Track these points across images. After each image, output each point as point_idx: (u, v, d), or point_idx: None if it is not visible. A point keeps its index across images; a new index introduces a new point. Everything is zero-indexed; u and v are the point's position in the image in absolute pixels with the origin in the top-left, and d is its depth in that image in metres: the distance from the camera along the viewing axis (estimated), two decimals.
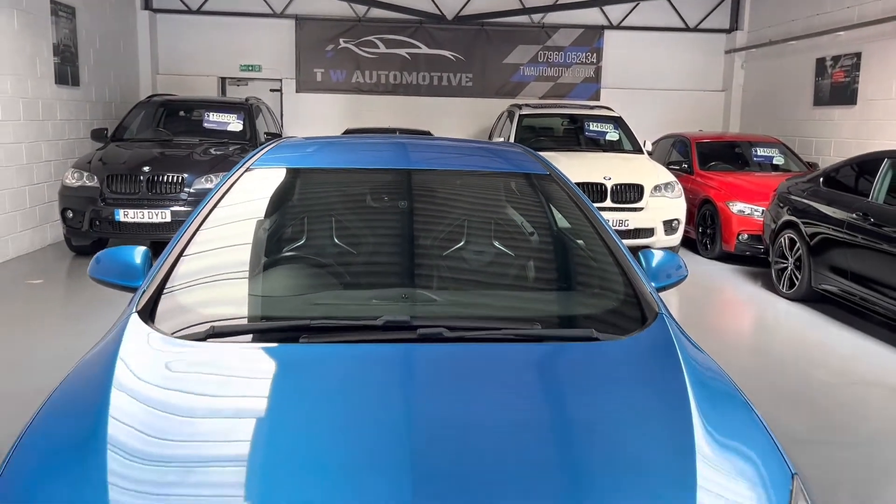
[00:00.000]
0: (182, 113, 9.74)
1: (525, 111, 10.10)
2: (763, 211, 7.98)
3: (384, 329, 2.08)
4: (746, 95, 13.12)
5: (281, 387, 1.89)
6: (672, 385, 1.88)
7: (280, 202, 2.98)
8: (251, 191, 2.87)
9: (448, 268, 2.66)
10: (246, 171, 2.90)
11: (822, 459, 3.69)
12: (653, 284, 2.53)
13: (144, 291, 2.28)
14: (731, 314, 6.99)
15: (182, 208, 7.60)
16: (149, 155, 8.12)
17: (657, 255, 2.76)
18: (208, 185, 7.66)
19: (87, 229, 7.71)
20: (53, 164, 8.94)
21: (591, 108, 10.57)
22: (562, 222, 2.90)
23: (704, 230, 9.14)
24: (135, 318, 2.13)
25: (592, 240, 2.69)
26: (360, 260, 2.76)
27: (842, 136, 10.20)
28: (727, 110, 13.48)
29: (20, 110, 8.19)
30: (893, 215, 5.75)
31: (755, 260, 8.34)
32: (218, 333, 2.06)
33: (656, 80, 13.47)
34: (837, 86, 10.37)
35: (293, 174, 3.03)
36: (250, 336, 2.15)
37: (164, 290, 2.28)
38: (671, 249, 8.66)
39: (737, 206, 8.59)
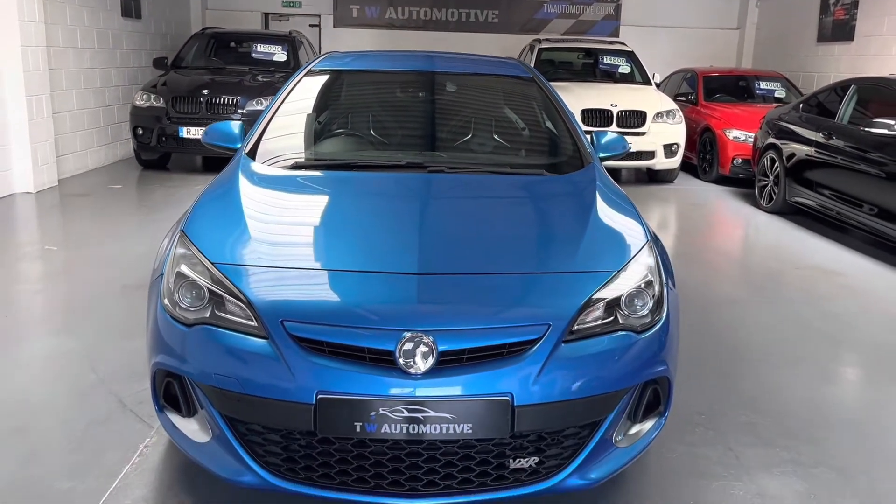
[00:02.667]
0: (232, 44, 10.78)
1: (544, 45, 10.94)
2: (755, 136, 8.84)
3: (406, 167, 3.20)
4: (759, 33, 13.75)
5: (340, 191, 3.04)
6: (586, 193, 2.99)
7: (333, 93, 4.07)
8: (311, 86, 3.96)
9: (454, 136, 3.74)
10: (306, 73, 3.98)
11: (739, 310, 4.82)
12: (598, 153, 3.59)
13: (246, 145, 3.40)
14: (714, 223, 7.97)
15: None
16: (206, 80, 9.23)
17: (608, 136, 3.81)
18: (259, 108, 8.73)
19: (156, 144, 8.90)
20: (121, 88, 10.09)
21: (607, 43, 11.35)
22: (537, 109, 3.96)
23: (704, 156, 10.00)
24: (244, 157, 3.26)
25: (557, 121, 3.75)
26: (392, 131, 3.86)
27: (840, 71, 10.91)
28: (741, 47, 14.12)
29: (94, 39, 9.32)
30: (852, 133, 6.65)
31: (748, 183, 9.21)
32: (300, 166, 3.23)
33: (674, 19, 14.12)
34: (838, 23, 11.04)
35: (341, 74, 4.11)
36: (320, 167, 3.29)
37: (259, 146, 3.40)
38: (670, 171, 9.61)
39: (733, 133, 9.42)
